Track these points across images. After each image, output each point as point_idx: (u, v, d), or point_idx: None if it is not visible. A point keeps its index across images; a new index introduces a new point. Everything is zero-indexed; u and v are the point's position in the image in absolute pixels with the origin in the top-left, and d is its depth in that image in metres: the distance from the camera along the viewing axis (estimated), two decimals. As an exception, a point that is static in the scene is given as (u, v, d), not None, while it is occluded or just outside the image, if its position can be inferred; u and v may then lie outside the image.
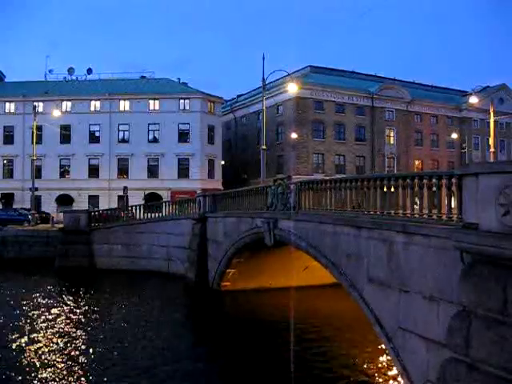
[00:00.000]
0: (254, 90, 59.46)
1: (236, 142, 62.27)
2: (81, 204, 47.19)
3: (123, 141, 50.78)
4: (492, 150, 42.56)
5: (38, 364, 12.78)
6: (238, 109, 63.31)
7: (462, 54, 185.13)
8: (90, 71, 57.58)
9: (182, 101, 50.66)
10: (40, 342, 14.84)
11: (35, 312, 18.84)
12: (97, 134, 51.10)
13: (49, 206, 48.13)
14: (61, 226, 32.44)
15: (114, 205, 45.13)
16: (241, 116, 62.98)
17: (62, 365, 12.79)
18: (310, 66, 58.68)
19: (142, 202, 38.80)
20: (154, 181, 49.34)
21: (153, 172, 50.27)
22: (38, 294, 22.57)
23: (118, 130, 50.80)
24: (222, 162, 53.70)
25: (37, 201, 44.33)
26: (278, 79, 46.43)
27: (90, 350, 14.03)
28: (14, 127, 51.38)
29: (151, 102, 50.77)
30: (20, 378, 11.78)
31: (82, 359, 13.26)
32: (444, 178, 9.09)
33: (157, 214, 30.94)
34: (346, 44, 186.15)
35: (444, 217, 9.06)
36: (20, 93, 51.60)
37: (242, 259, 21.43)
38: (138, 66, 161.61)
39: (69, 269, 28.15)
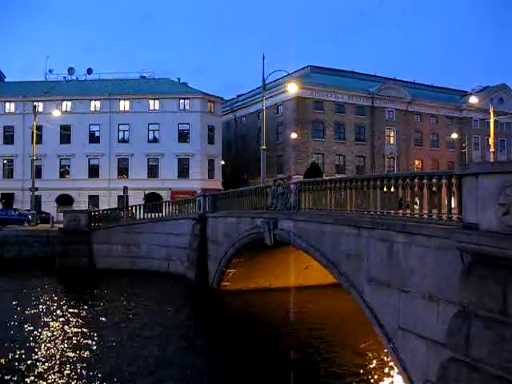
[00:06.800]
0: (254, 90, 59.48)
1: (236, 142, 62.27)
2: (81, 204, 47.22)
3: (123, 141, 50.80)
4: (492, 149, 42.61)
5: (37, 364, 12.78)
6: (238, 109, 63.32)
7: (462, 53, 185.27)
8: (90, 71, 57.50)
9: (182, 101, 50.68)
10: (39, 342, 14.85)
11: (35, 312, 18.84)
12: (97, 133, 51.12)
13: (49, 206, 48.12)
14: (61, 225, 32.41)
15: (114, 205, 45.14)
16: (241, 116, 62.99)
17: (63, 364, 12.80)
18: (310, 66, 58.70)
19: (142, 202, 38.79)
20: (154, 181, 49.35)
21: (153, 172, 50.30)
22: (38, 294, 22.60)
23: (118, 130, 50.82)
24: (222, 162, 53.70)
25: (37, 201, 44.27)
26: (278, 79, 46.44)
27: (90, 351, 14.04)
28: (14, 127, 51.38)
29: (151, 101, 50.77)
30: (19, 378, 11.79)
31: (82, 359, 13.26)
32: (444, 177, 9.09)
33: (157, 214, 30.93)
34: (345, 44, 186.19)
35: (444, 217, 9.06)
36: (20, 93, 51.57)
37: (242, 259, 21.42)
38: (138, 66, 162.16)
39: (69, 269, 28.12)
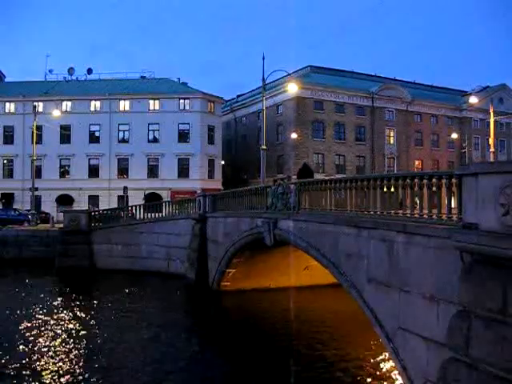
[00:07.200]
0: (254, 89, 59.51)
1: (236, 141, 62.28)
2: (81, 204, 47.23)
3: (123, 141, 50.80)
4: (492, 149, 42.62)
5: (36, 363, 12.78)
6: (238, 109, 63.33)
7: (462, 53, 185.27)
8: (90, 71, 57.49)
9: (182, 101, 50.68)
10: (39, 342, 14.84)
11: (35, 312, 18.83)
12: (97, 133, 51.12)
13: (49, 206, 48.11)
14: (61, 225, 32.41)
15: (114, 205, 45.13)
16: (241, 116, 63.00)
17: (63, 366, 12.79)
18: (310, 66, 58.72)
19: (142, 202, 38.77)
20: (154, 181, 49.34)
21: (153, 172, 50.30)
22: (38, 294, 22.58)
23: (118, 130, 50.82)
24: (222, 162, 53.70)
25: (37, 201, 44.27)
26: (278, 79, 46.43)
27: (90, 351, 14.04)
28: (14, 127, 51.37)
29: (151, 101, 50.78)
30: (19, 376, 11.79)
31: (82, 359, 13.26)
32: (444, 177, 9.09)
33: (157, 214, 30.93)
34: (345, 44, 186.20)
35: (444, 217, 9.06)
36: (20, 93, 51.56)
37: (242, 259, 21.43)
38: (138, 66, 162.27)
39: (69, 269, 28.10)
